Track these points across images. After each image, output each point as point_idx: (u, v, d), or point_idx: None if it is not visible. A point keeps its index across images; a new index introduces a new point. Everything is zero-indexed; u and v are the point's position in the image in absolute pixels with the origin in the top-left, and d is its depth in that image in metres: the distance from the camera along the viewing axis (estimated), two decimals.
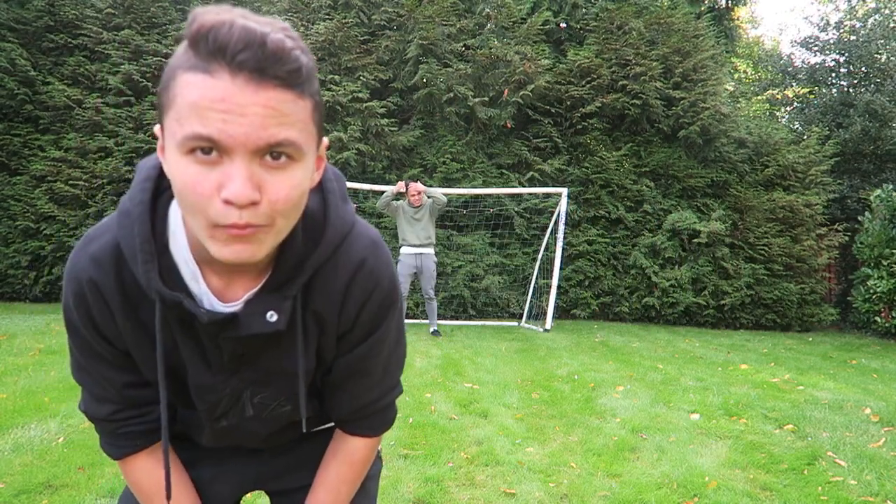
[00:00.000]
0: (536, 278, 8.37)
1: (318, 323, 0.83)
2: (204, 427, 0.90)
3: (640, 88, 9.02)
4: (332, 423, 0.99)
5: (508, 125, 9.10)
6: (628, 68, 9.13)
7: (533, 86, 8.73)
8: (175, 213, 0.74)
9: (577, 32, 10.00)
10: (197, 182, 0.60)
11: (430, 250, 6.63)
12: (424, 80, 8.56)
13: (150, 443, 0.89)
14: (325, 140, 0.73)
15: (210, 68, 0.58)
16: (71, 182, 9.20)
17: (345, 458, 0.94)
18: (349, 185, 8.07)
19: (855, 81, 12.70)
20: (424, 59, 8.63)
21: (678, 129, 9.23)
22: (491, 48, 8.67)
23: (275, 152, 0.61)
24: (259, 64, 0.57)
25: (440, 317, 6.78)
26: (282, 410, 0.89)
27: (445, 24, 8.83)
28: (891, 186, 8.79)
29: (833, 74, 12.88)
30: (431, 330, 6.77)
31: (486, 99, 8.76)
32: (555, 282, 7.62)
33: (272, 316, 0.75)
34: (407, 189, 6.50)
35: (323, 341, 0.85)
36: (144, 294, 0.76)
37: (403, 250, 6.59)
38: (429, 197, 6.55)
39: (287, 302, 0.76)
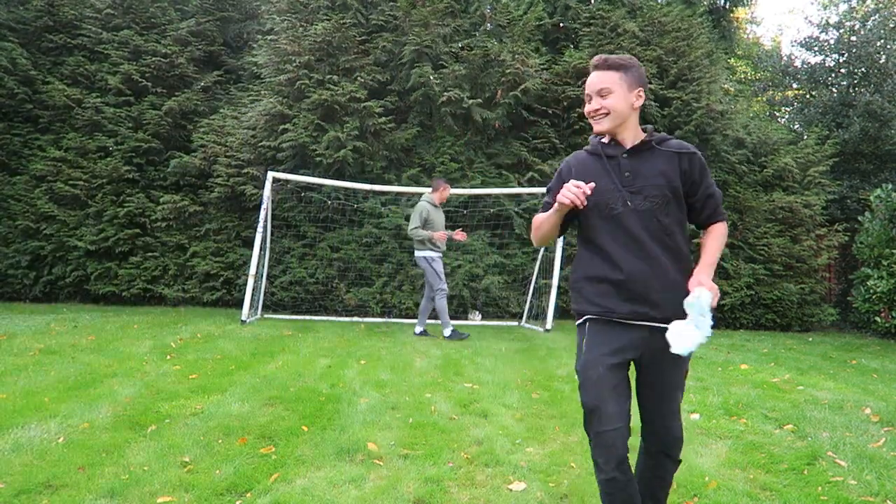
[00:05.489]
0: (536, 278, 8.37)
1: None
2: None
3: None
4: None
5: (497, 125, 9.07)
6: None
7: (524, 86, 8.70)
8: None
9: (571, 33, 9.98)
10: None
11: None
12: (422, 82, 8.55)
13: None
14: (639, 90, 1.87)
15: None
16: (71, 182, 9.19)
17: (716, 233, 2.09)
18: (348, 185, 8.11)
19: (854, 82, 12.70)
20: (419, 63, 8.63)
21: (673, 128, 9.22)
22: (486, 48, 8.65)
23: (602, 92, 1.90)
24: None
25: (437, 316, 6.79)
26: None
27: (440, 25, 8.81)
28: (890, 186, 8.77)
29: (832, 75, 12.89)
30: (435, 331, 6.78)
31: (481, 101, 8.74)
32: (555, 282, 7.61)
33: None
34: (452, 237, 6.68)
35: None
36: None
37: (435, 254, 6.51)
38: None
39: None
